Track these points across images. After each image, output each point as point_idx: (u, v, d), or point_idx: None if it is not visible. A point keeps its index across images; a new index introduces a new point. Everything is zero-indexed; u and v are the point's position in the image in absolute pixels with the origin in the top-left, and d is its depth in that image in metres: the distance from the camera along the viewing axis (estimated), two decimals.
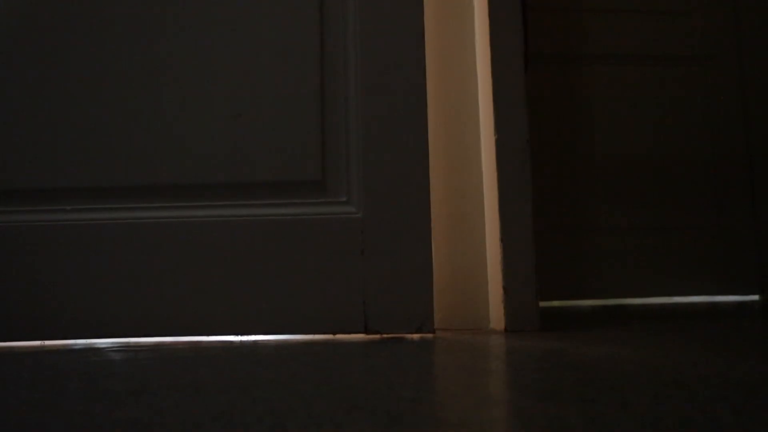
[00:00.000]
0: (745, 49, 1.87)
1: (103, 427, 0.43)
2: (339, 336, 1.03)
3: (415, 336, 1.01)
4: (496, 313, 1.13)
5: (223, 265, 1.03)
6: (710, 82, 1.86)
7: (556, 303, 1.80)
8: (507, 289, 1.08)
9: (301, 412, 0.45)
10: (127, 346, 0.98)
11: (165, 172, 1.07)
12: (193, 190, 1.07)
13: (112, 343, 1.02)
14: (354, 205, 1.06)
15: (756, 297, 1.82)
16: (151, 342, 1.02)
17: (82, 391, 0.58)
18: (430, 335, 1.02)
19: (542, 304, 1.75)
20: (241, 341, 1.00)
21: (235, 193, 1.07)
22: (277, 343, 0.96)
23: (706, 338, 0.90)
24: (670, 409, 0.43)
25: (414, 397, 0.50)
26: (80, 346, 0.99)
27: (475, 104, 1.22)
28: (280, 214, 1.05)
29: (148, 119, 1.07)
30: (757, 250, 1.82)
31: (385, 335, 1.02)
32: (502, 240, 1.09)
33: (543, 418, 0.41)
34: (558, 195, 1.79)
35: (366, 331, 1.02)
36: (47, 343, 1.03)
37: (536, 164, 1.78)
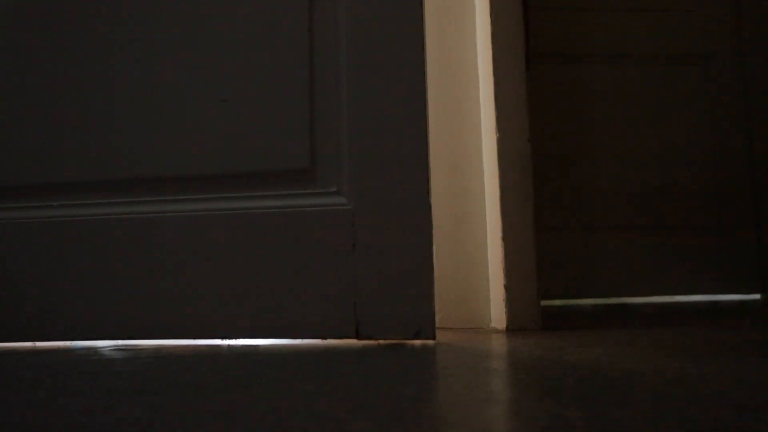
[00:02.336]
0: (746, 48, 1.87)
1: (105, 425, 0.43)
2: (329, 341, 0.95)
3: (413, 342, 0.92)
4: (497, 312, 1.13)
5: (204, 263, 0.97)
6: (711, 80, 1.86)
7: (557, 302, 1.80)
8: (508, 288, 1.08)
9: (302, 411, 0.45)
10: (126, 346, 0.98)
11: (150, 165, 1.01)
12: (179, 182, 1.01)
13: (106, 345, 1.02)
14: (345, 195, 0.96)
15: (757, 296, 1.82)
16: (151, 344, 1.02)
17: (83, 389, 0.58)
18: (429, 341, 0.92)
19: (543, 303, 1.75)
20: (228, 345, 0.96)
21: (221, 184, 1.00)
22: (266, 349, 0.96)
23: (707, 337, 0.90)
24: (671, 408, 0.43)
25: (415, 396, 0.50)
26: (78, 347, 0.99)
27: (476, 103, 1.22)
28: (265, 206, 0.97)
29: (133, 109, 1.03)
30: (758, 250, 1.81)
31: (381, 341, 0.92)
32: (503, 239, 1.09)
33: (544, 417, 0.41)
34: (559, 193, 1.79)
35: (357, 336, 0.92)
36: (38, 344, 1.01)
37: (537, 162, 1.78)
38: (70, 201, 1.03)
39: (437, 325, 1.17)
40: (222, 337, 0.96)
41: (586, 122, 1.82)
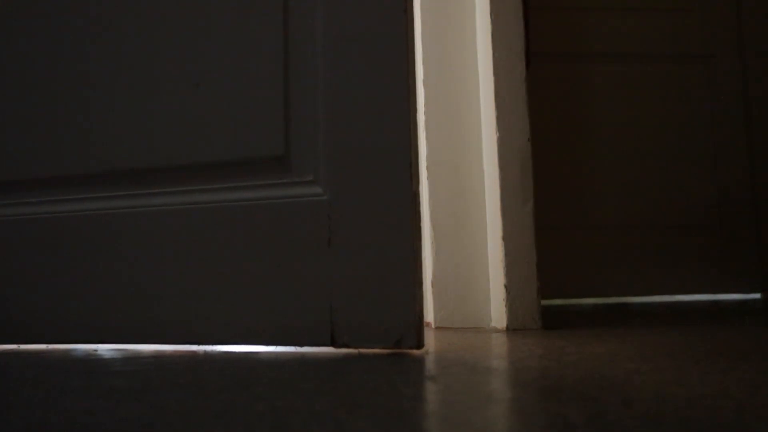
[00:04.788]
0: (746, 47, 1.87)
1: (106, 424, 0.43)
2: (306, 349, 0.84)
3: (400, 351, 0.79)
4: (497, 312, 1.13)
5: (171, 262, 0.90)
6: (711, 80, 1.86)
7: (557, 301, 1.80)
8: (509, 288, 1.08)
9: (302, 410, 0.45)
10: (126, 349, 0.98)
11: (122, 157, 0.95)
12: (150, 175, 0.94)
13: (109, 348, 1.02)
14: (321, 185, 0.85)
15: (757, 295, 1.82)
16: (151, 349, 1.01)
17: (84, 389, 0.58)
18: (413, 351, 0.79)
19: (544, 302, 1.75)
20: (205, 352, 0.88)
21: (194, 176, 0.92)
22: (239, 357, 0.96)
23: (707, 336, 0.90)
24: (671, 407, 0.43)
25: (415, 396, 0.50)
26: (74, 349, 0.99)
27: (476, 103, 1.22)
28: (238, 199, 0.88)
29: (103, 98, 0.96)
30: (758, 249, 1.81)
31: (362, 349, 0.81)
32: (503, 238, 1.09)
33: (544, 417, 0.41)
34: (559, 193, 1.79)
35: (333, 344, 0.81)
36: (22, 346, 0.98)
37: (538, 161, 1.78)
38: (48, 197, 0.99)
39: (437, 324, 1.17)
40: (187, 343, 0.88)
41: (586, 122, 1.82)
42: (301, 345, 0.83)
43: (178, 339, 0.89)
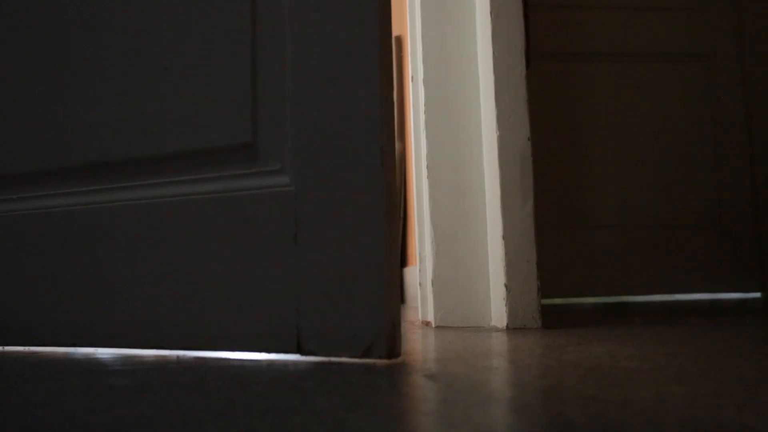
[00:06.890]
0: (746, 47, 1.87)
1: (106, 424, 0.43)
2: (273, 356, 0.79)
3: (376, 361, 0.71)
4: (497, 311, 1.13)
5: (130, 261, 0.85)
6: (712, 79, 1.86)
7: (558, 300, 1.80)
8: (509, 287, 1.08)
9: (303, 410, 0.45)
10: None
11: (91, 149, 0.90)
12: (116, 168, 0.89)
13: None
14: (289, 174, 0.77)
15: (757, 294, 1.82)
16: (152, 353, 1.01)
17: (84, 388, 0.58)
18: (382, 361, 0.70)
19: (544, 301, 1.76)
20: (177, 357, 0.82)
21: (163, 167, 0.86)
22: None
23: (707, 335, 0.90)
24: (671, 407, 0.43)
25: (416, 395, 0.50)
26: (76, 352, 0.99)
27: (476, 102, 1.22)
28: (203, 192, 0.82)
29: (71, 83, 0.92)
30: (758, 248, 1.81)
31: (333, 358, 0.73)
32: (503, 237, 1.10)
33: (545, 416, 0.42)
34: (559, 192, 1.79)
35: (299, 351, 0.74)
36: (7, 348, 0.96)
37: (538, 161, 1.78)
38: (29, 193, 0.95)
39: (437, 323, 1.17)
40: (152, 347, 0.83)
41: (586, 121, 1.82)
42: (268, 351, 0.76)
43: (141, 343, 0.84)
